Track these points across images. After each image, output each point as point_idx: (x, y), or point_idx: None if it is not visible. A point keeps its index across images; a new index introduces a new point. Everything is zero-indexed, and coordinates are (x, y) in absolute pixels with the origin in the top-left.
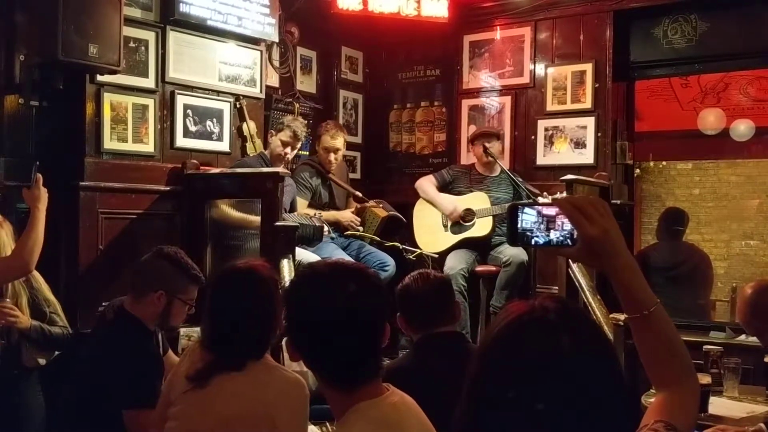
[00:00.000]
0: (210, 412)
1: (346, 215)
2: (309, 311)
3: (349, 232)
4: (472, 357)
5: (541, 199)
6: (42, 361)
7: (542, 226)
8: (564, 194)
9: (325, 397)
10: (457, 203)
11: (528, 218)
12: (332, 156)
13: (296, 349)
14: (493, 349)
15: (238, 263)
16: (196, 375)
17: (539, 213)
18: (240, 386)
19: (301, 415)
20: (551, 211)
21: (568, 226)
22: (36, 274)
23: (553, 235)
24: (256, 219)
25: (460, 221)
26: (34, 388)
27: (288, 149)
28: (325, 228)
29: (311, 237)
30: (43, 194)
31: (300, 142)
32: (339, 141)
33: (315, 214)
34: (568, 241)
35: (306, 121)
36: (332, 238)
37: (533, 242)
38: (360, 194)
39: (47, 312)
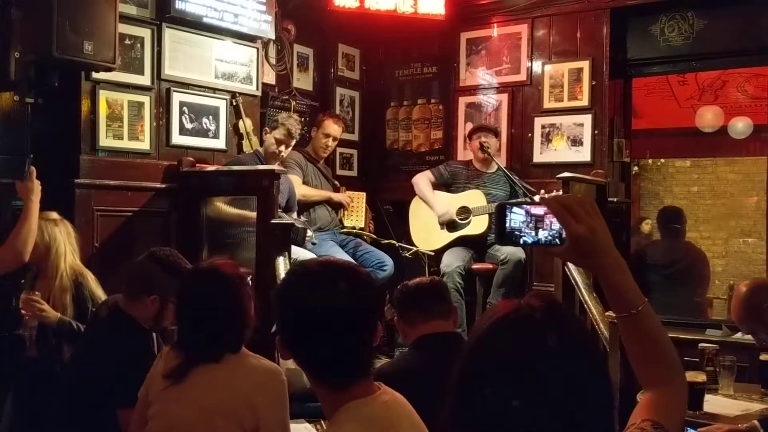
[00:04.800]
0: (189, 405)
1: (339, 194)
2: (299, 310)
3: (345, 230)
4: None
5: (537, 197)
6: None
7: (531, 226)
8: (560, 191)
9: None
10: (450, 206)
11: (516, 217)
12: (330, 141)
13: (287, 348)
14: (479, 348)
15: (201, 264)
16: (173, 372)
17: (527, 212)
18: (217, 378)
19: (280, 402)
20: (539, 210)
21: (556, 225)
22: (85, 270)
23: (542, 235)
24: (252, 216)
25: (456, 219)
26: None
27: (282, 147)
28: (309, 232)
29: (294, 238)
30: (37, 186)
31: (294, 140)
32: (339, 129)
33: (299, 218)
34: (557, 240)
35: (301, 119)
36: (313, 244)
37: (522, 241)
38: (344, 188)
39: (90, 308)
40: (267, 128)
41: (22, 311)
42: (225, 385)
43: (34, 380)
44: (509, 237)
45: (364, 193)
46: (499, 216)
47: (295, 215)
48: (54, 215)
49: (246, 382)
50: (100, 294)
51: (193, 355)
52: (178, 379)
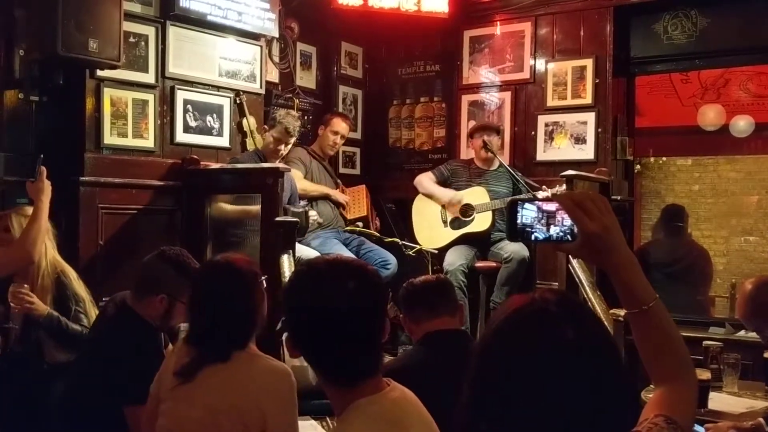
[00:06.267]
0: (198, 404)
1: (338, 193)
2: (308, 308)
3: (348, 228)
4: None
5: (540, 193)
6: (63, 358)
7: (542, 222)
8: (563, 188)
9: (325, 392)
10: (456, 193)
11: (528, 214)
12: (339, 138)
13: (296, 346)
14: (494, 342)
15: (216, 257)
16: (183, 370)
17: (539, 208)
18: (226, 378)
19: (288, 403)
20: (551, 206)
21: (568, 221)
22: (67, 267)
23: (553, 231)
24: (257, 214)
25: (459, 216)
26: None
27: (281, 146)
28: (312, 213)
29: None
30: (47, 187)
31: (292, 138)
32: (347, 127)
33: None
34: (568, 236)
35: (298, 114)
36: (320, 223)
37: (533, 237)
38: (342, 186)
39: (72, 308)
40: (266, 126)
41: (11, 304)
42: (234, 385)
43: (19, 377)
44: (520, 233)
45: (364, 186)
46: (510, 212)
47: None
48: (30, 211)
49: (255, 384)
50: (83, 293)
51: (204, 354)
52: (187, 378)
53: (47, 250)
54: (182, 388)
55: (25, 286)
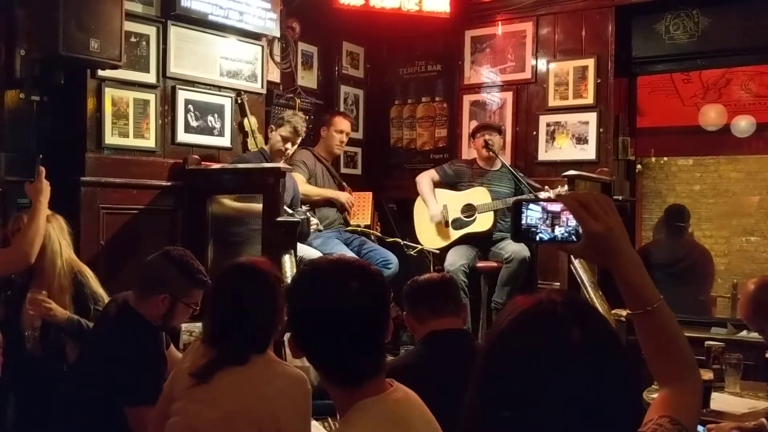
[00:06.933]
0: (212, 407)
1: (343, 195)
2: (311, 308)
3: (350, 228)
4: (479, 353)
5: (542, 193)
6: None
7: (547, 223)
8: (565, 188)
9: (328, 393)
10: (444, 210)
11: (532, 214)
12: (344, 137)
13: (299, 346)
14: (500, 343)
15: (239, 259)
16: (199, 371)
17: (544, 209)
18: (242, 382)
19: (303, 410)
20: (556, 207)
21: (572, 222)
22: (83, 267)
23: (558, 232)
24: (258, 214)
25: (461, 216)
26: None
27: (288, 144)
28: (313, 221)
29: (300, 229)
30: (45, 187)
31: (300, 137)
32: (349, 125)
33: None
34: (573, 237)
35: (306, 116)
36: (320, 230)
37: (538, 238)
38: (349, 188)
39: (92, 308)
40: (272, 126)
41: (30, 310)
42: (250, 389)
43: (40, 380)
44: (525, 234)
45: (371, 193)
46: (515, 213)
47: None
48: None
49: (271, 389)
50: (102, 292)
51: (222, 356)
52: (203, 379)
53: (62, 250)
54: (197, 389)
55: (44, 292)
